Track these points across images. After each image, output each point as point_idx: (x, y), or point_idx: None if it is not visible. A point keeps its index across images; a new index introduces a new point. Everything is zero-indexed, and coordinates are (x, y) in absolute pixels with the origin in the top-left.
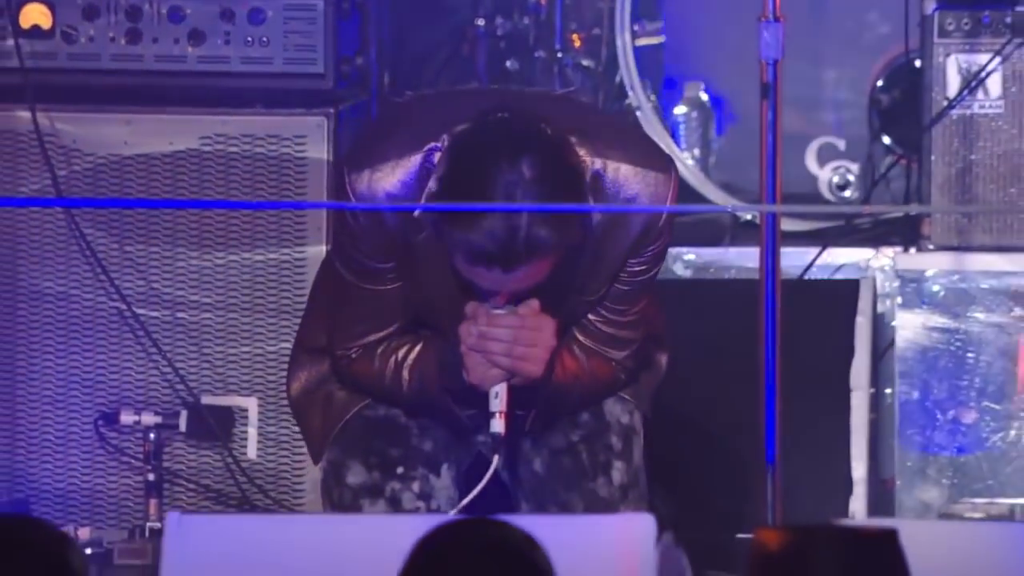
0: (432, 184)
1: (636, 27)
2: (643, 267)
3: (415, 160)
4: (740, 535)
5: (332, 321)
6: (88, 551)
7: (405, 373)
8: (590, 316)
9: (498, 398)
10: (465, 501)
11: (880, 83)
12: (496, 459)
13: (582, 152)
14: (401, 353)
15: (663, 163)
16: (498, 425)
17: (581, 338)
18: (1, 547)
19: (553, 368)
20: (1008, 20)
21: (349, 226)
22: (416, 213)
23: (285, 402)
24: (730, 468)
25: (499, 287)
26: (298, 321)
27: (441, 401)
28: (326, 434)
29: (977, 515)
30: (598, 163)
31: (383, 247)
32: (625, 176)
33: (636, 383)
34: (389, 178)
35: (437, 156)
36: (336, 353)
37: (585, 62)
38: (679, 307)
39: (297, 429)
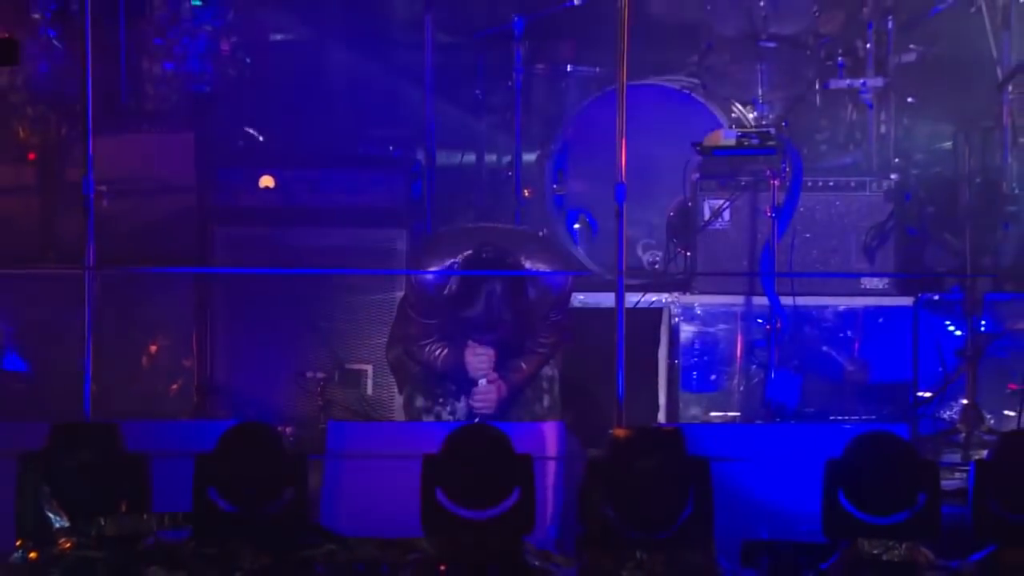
0: (451, 287)
1: (555, 185)
2: (559, 317)
3: (443, 266)
4: (607, 432)
5: (405, 334)
6: (291, 439)
7: (439, 362)
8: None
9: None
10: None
11: (672, 213)
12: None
13: (522, 258)
14: (436, 351)
15: (565, 264)
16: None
17: (528, 343)
18: (247, 437)
19: (502, 392)
20: (732, 184)
21: (414, 293)
22: (445, 290)
23: (386, 365)
24: (600, 401)
25: (483, 340)
26: (389, 328)
27: (453, 373)
28: (404, 380)
29: (718, 420)
30: (529, 264)
31: (429, 303)
32: (544, 270)
33: (553, 359)
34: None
35: (455, 267)
36: (407, 350)
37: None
38: (576, 322)
39: (392, 380)
